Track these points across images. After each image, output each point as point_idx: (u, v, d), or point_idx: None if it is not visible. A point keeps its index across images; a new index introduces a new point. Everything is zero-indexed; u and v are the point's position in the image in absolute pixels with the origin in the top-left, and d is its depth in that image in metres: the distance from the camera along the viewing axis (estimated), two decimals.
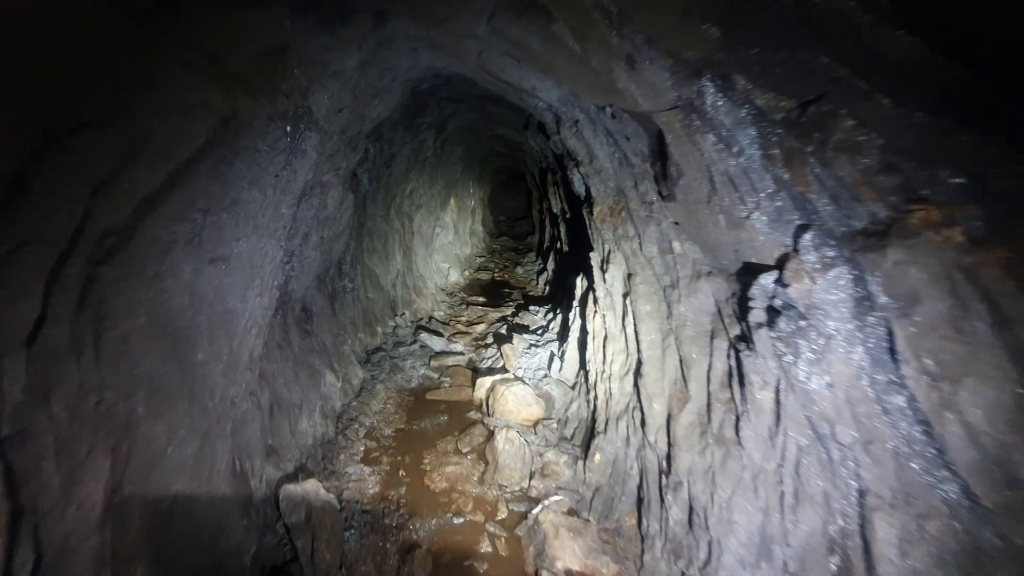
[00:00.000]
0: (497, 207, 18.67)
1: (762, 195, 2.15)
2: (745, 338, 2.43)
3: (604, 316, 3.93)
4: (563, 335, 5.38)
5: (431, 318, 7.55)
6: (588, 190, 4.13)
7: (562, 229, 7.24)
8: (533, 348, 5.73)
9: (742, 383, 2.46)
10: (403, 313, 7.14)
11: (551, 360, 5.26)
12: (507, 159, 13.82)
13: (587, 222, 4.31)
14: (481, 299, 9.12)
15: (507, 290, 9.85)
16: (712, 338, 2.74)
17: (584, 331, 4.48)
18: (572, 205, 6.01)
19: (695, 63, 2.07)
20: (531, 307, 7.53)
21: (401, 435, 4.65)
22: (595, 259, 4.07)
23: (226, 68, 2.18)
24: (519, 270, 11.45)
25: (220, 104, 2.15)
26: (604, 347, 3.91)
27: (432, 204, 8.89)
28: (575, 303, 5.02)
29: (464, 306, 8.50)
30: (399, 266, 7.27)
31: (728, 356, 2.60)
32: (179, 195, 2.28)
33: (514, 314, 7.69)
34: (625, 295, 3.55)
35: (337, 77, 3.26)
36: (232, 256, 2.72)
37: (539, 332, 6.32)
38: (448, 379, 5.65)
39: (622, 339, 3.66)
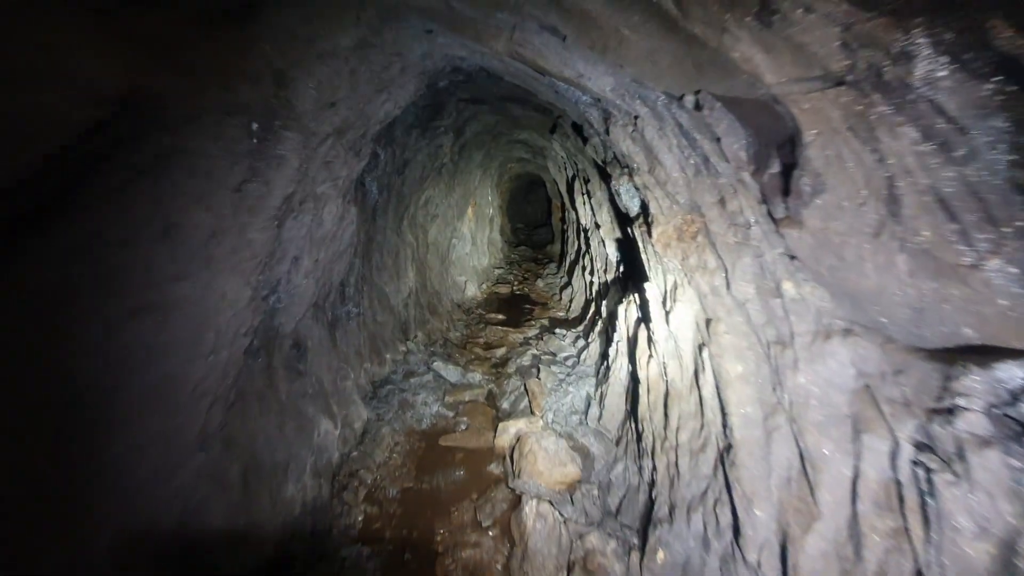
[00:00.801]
0: (515, 214, 17.85)
1: (1007, 231, 1.25)
2: (938, 449, 1.52)
3: (665, 365, 3.03)
4: (602, 373, 4.48)
5: (446, 340, 6.71)
6: (644, 205, 3.24)
7: (594, 244, 6.35)
8: (563, 385, 4.84)
9: (927, 518, 1.54)
10: (416, 336, 6.32)
11: (588, 404, 4.36)
12: (528, 165, 12.98)
13: (640, 244, 3.42)
14: (500, 316, 8.26)
15: (528, 306, 8.98)
16: (859, 431, 1.82)
17: (634, 378, 3.58)
18: (616, 220, 5.10)
19: (905, 5, 1.18)
20: (557, 330, 6.63)
21: (409, 496, 3.80)
22: (652, 291, 3.17)
23: (130, 27, 1.37)
24: (540, 283, 10.57)
25: (110, 80, 1.33)
26: (666, 405, 3.00)
27: (448, 214, 8.09)
28: (617, 337, 4.12)
29: (482, 325, 7.65)
30: (412, 284, 6.46)
31: (894, 467, 1.68)
32: (62, 221, 1.47)
33: (538, 336, 6.81)
34: (700, 346, 2.65)
35: (327, 60, 2.44)
36: (169, 304, 1.90)
37: (569, 363, 5.43)
38: (465, 419, 4.79)
39: (693, 400, 2.75)
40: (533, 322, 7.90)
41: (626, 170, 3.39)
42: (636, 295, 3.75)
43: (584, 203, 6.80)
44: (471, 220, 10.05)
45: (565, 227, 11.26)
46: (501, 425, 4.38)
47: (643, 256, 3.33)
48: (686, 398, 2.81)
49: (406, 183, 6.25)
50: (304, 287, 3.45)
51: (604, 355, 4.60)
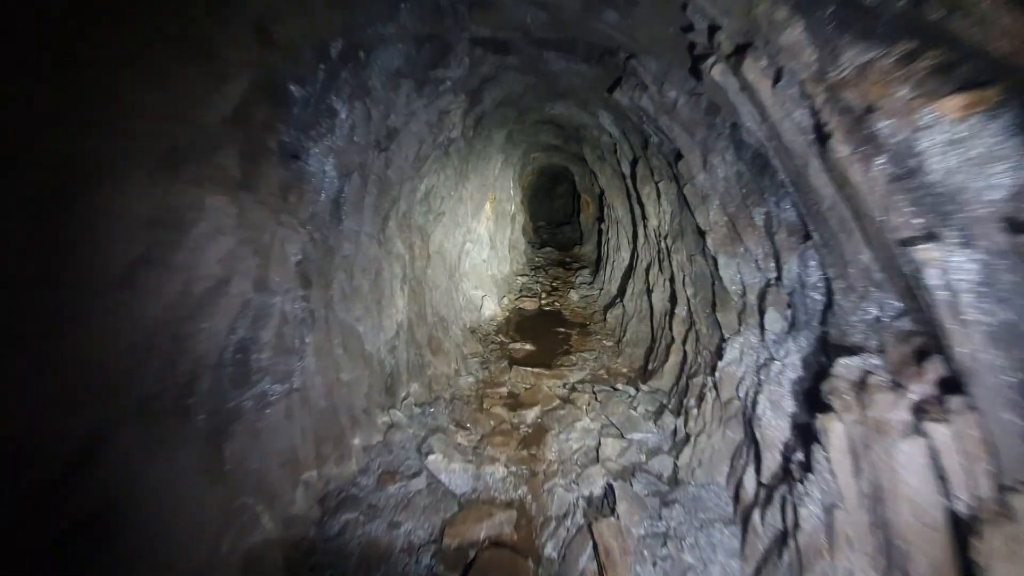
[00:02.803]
0: (536, 211, 15.39)
1: None
2: None
3: None
4: (770, 539, 2.05)
5: (453, 396, 4.36)
6: None
7: (679, 258, 3.88)
8: (665, 535, 2.42)
9: None
10: (408, 393, 3.98)
11: None
12: (556, 154, 10.46)
13: None
14: (528, 347, 5.88)
15: (563, 329, 6.57)
16: None
17: None
18: (782, 222, 2.59)
19: None
20: (619, 386, 4.22)
21: None
22: None
23: None
24: (573, 295, 8.14)
25: None
26: None
27: (459, 211, 5.71)
28: (828, 485, 1.71)
29: (504, 363, 5.27)
30: (402, 315, 4.11)
31: None
32: None
33: (588, 387, 4.42)
34: None
35: None
36: None
37: (658, 470, 3.00)
38: None
39: None
40: (573, 357, 5.50)
41: None
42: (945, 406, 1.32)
43: (658, 196, 4.33)
44: (490, 219, 7.68)
45: (604, 227, 8.79)
46: None
47: None
48: None
49: (393, 164, 3.88)
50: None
51: (766, 493, 2.16)
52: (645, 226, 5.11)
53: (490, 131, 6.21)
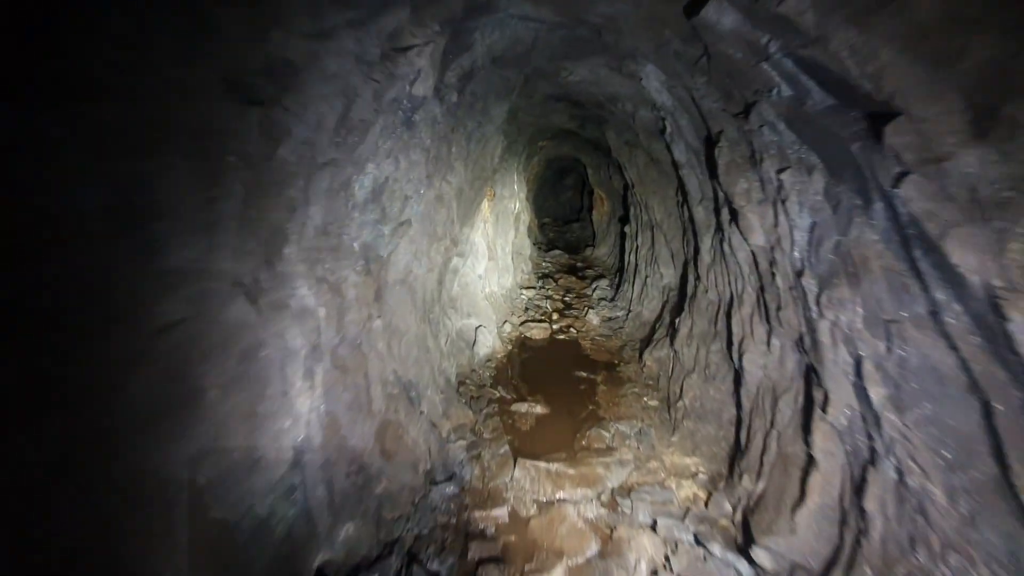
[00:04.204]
0: (541, 207, 13.37)
1: None
2: None
3: None
4: None
5: (412, 548, 2.46)
6: None
7: (845, 316, 1.95)
8: None
9: None
10: (322, 565, 2.10)
11: None
12: (568, 142, 8.39)
13: None
14: (537, 410, 3.97)
15: (584, 376, 4.64)
16: None
17: None
18: None
19: None
20: (713, 547, 2.26)
21: None
22: None
23: None
24: (593, 318, 6.19)
25: None
26: None
27: (438, 215, 3.73)
28: None
29: (505, 447, 3.37)
30: (308, 423, 2.19)
31: None
32: None
33: (647, 517, 2.53)
34: None
35: None
36: None
37: None
38: None
39: None
40: (606, 432, 3.59)
41: None
42: None
43: (780, 199, 2.36)
44: (488, 221, 5.72)
45: (629, 230, 6.83)
46: None
47: None
48: None
49: (290, 136, 1.93)
50: None
51: None
52: (724, 242, 3.15)
53: (486, 101, 4.23)
